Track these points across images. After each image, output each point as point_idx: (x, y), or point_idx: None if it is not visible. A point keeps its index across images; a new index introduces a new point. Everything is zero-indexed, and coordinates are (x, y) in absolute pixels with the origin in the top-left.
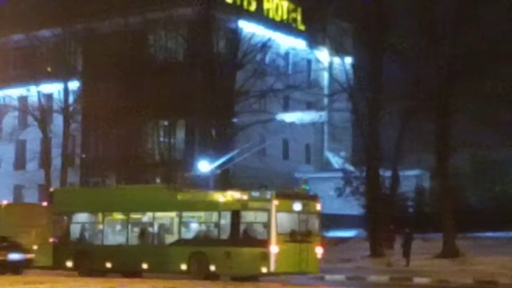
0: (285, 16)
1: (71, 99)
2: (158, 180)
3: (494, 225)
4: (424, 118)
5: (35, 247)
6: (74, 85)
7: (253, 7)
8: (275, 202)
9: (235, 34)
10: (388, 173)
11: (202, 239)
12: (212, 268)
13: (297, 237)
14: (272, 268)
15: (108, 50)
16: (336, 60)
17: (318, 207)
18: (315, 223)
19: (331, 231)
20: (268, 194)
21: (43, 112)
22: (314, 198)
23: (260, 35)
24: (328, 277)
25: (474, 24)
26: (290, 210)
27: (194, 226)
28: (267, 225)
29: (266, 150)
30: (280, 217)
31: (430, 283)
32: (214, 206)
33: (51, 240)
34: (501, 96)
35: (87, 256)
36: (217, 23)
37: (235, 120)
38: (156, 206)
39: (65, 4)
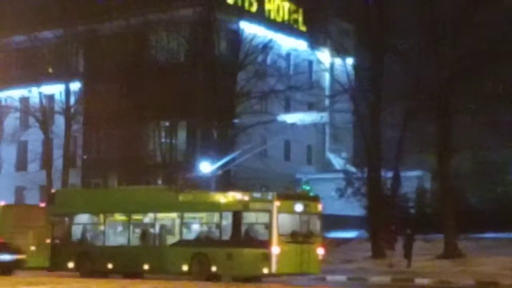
0: (286, 17)
1: (72, 100)
2: (159, 181)
3: (496, 226)
4: (425, 119)
5: (32, 248)
6: (75, 86)
7: (254, 8)
8: (277, 203)
9: (237, 35)
10: (389, 174)
11: (203, 240)
12: (214, 269)
13: (299, 238)
14: (274, 269)
15: (109, 51)
16: (338, 61)
17: (320, 208)
18: (316, 224)
19: (333, 232)
20: (270, 195)
21: (44, 113)
22: (316, 199)
23: (262, 36)
24: (329, 278)
25: (475, 25)
26: (291, 211)
27: (196, 227)
28: (268, 226)
29: (267, 151)
30: (282, 218)
31: (432, 284)
32: (215, 207)
33: (48, 241)
34: (501, 97)
35: (88, 257)
36: (218, 24)
37: (236, 121)
38: (157, 207)
39: (67, 5)
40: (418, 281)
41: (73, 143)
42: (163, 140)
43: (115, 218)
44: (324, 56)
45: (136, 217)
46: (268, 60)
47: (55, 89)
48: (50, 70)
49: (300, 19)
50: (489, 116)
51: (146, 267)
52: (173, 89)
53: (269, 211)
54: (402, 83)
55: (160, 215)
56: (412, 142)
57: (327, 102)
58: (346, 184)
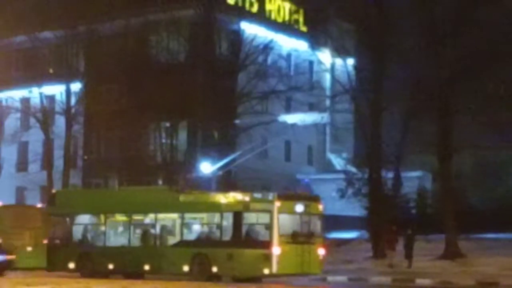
0: (287, 18)
1: (73, 100)
2: (160, 182)
3: (496, 226)
4: (425, 119)
5: (29, 248)
6: (76, 86)
7: (255, 8)
8: (277, 204)
9: (237, 35)
10: (390, 175)
11: (204, 241)
12: (214, 269)
13: (299, 238)
14: (274, 269)
15: (110, 52)
16: (338, 61)
17: (320, 208)
18: (317, 225)
19: (333, 233)
20: (270, 196)
21: (45, 114)
22: (316, 199)
23: (262, 37)
24: (330, 278)
25: (475, 25)
26: (292, 212)
27: (196, 227)
28: (269, 227)
29: (268, 152)
30: (282, 219)
31: (432, 285)
32: (216, 208)
33: (45, 241)
34: (502, 97)
35: (89, 258)
36: (219, 24)
37: (237, 121)
38: (158, 207)
39: (67, 5)
40: (419, 281)
41: (74, 144)
42: (163, 140)
43: (115, 219)
44: (325, 56)
45: (136, 217)
46: (269, 61)
47: (56, 90)
48: (51, 71)
49: (301, 19)
50: (489, 116)
51: (146, 267)
52: (174, 89)
53: (270, 212)
54: (403, 83)
55: (160, 215)
56: (412, 143)
57: (327, 102)
58: (346, 184)
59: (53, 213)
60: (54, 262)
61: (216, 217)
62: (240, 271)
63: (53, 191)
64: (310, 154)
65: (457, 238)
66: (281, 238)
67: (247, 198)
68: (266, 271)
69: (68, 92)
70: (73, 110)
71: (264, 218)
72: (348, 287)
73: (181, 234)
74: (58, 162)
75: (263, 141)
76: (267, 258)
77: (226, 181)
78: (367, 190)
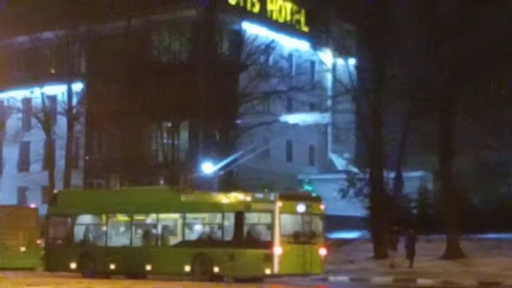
0: (288, 18)
1: (74, 101)
2: (161, 182)
3: (498, 226)
4: (427, 119)
5: (22, 248)
6: (77, 87)
7: (256, 8)
8: (279, 204)
9: (239, 35)
10: (391, 175)
11: (205, 241)
12: (216, 269)
13: (301, 238)
14: (276, 269)
15: (111, 52)
16: (340, 61)
17: (322, 208)
18: (318, 225)
19: (335, 233)
20: (272, 196)
21: (46, 114)
22: (318, 199)
23: (264, 37)
24: (331, 278)
25: (476, 25)
26: (293, 212)
27: (198, 227)
28: (270, 227)
29: (269, 152)
30: (284, 219)
31: (434, 285)
32: (217, 208)
33: (38, 242)
34: (504, 97)
35: (90, 258)
36: (220, 24)
37: (238, 121)
38: (159, 207)
39: (68, 6)
40: (420, 281)
41: (75, 144)
42: (165, 140)
43: (117, 219)
44: (326, 56)
45: (138, 217)
46: (270, 61)
47: (57, 90)
48: (52, 71)
49: (302, 19)
50: (491, 116)
51: (148, 267)
52: (175, 89)
53: (271, 212)
54: (404, 83)
55: (162, 215)
56: (414, 143)
57: (329, 102)
58: (348, 184)
59: (54, 213)
60: (55, 262)
61: (218, 217)
62: (242, 271)
63: (55, 191)
64: (312, 154)
65: (459, 238)
66: (282, 238)
67: (248, 198)
68: (267, 271)
69: (69, 92)
70: (74, 110)
71: (265, 218)
72: (350, 287)
73: (183, 234)
74: (60, 162)
75: (265, 141)
76: (269, 258)
77: (227, 181)
78: (369, 190)
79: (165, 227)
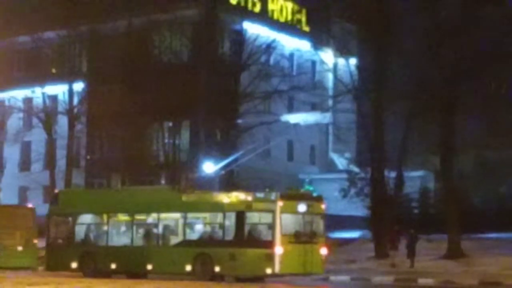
0: (289, 17)
1: (75, 100)
2: (162, 181)
3: (499, 226)
4: (428, 119)
5: (19, 248)
6: (78, 86)
7: (257, 8)
8: (280, 203)
9: (240, 35)
10: (392, 174)
11: (206, 240)
12: (217, 269)
13: (302, 238)
14: (277, 269)
15: (112, 52)
16: (341, 61)
17: (323, 208)
18: (319, 224)
19: (336, 232)
20: (273, 195)
21: (48, 114)
22: (319, 199)
23: (265, 36)
24: (332, 278)
25: (477, 25)
26: (294, 211)
27: (199, 227)
28: (271, 226)
29: (270, 151)
30: (285, 218)
31: (435, 284)
32: (218, 207)
33: (35, 241)
34: (504, 97)
35: (91, 257)
36: (221, 24)
37: (239, 121)
38: (160, 207)
39: (70, 6)
40: (421, 281)
41: (77, 144)
42: (166, 140)
43: (118, 218)
44: (327, 56)
45: (139, 217)
46: (271, 60)
47: (59, 90)
48: (53, 71)
49: (304, 19)
50: (491, 116)
51: (149, 267)
52: (176, 89)
53: (272, 211)
54: (405, 83)
55: (163, 215)
56: (415, 142)
57: (330, 102)
58: (349, 184)
59: (55, 212)
60: (56, 262)
61: (219, 217)
62: (243, 271)
63: (56, 190)
64: (313, 154)
65: (460, 237)
66: (283, 237)
67: (249, 198)
68: (268, 270)
69: (70, 92)
70: (75, 110)
71: (266, 217)
72: (351, 286)
73: (184, 233)
74: (61, 162)
75: (266, 141)
76: (270, 258)
77: (228, 181)
78: (370, 190)
79: (166, 227)
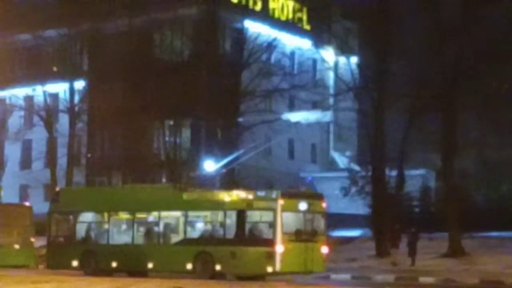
0: (290, 16)
1: (76, 98)
2: (163, 180)
3: (500, 224)
4: (429, 118)
5: (17, 246)
6: (80, 84)
7: (258, 6)
8: (281, 202)
9: (241, 33)
10: (393, 173)
11: (207, 239)
12: (218, 267)
13: (303, 236)
14: (278, 267)
15: (113, 50)
16: (342, 59)
17: (324, 206)
18: (320, 223)
19: (337, 231)
20: (274, 194)
21: (49, 112)
22: (320, 197)
23: (266, 35)
24: (333, 276)
25: (477, 24)
26: (295, 210)
27: (200, 225)
28: (272, 225)
29: (271, 150)
30: (286, 217)
31: (436, 283)
32: (219, 206)
33: (32, 240)
34: (506, 96)
35: (92, 256)
36: (222, 22)
37: (240, 119)
38: (161, 205)
39: (71, 4)
40: (422, 279)
41: (77, 142)
42: (167, 138)
43: (119, 217)
44: (328, 54)
45: (140, 215)
46: (272, 59)
47: (60, 88)
48: (55, 69)
49: (305, 17)
50: (494, 115)
51: (150, 265)
52: (177, 87)
53: (273, 210)
54: (406, 81)
55: (164, 213)
56: (416, 141)
57: (331, 100)
58: (350, 182)
59: (56, 211)
60: (57, 260)
61: (220, 215)
62: (244, 269)
63: (57, 189)
64: (314, 152)
65: (461, 236)
66: (284, 236)
67: (250, 196)
68: (269, 269)
69: (71, 90)
70: (76, 108)
71: (267, 216)
72: (352, 285)
73: (185, 232)
74: (62, 160)
75: (267, 139)
76: (271, 256)
77: (229, 179)
78: (371, 188)
79: (167, 225)
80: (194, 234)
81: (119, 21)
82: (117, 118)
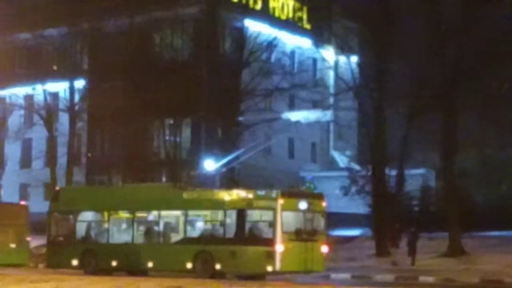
0: (290, 15)
1: (77, 97)
2: (164, 179)
3: (500, 224)
4: (430, 117)
5: (12, 245)
6: (80, 83)
7: (258, 5)
8: (281, 201)
9: (241, 32)
10: (394, 172)
11: (207, 238)
12: (218, 266)
13: (303, 235)
14: (278, 266)
15: (113, 49)
16: (342, 59)
17: (324, 205)
18: (320, 222)
19: (337, 230)
20: (274, 193)
21: (49, 111)
22: (320, 196)
23: (266, 34)
24: (333, 276)
25: (478, 24)
26: (295, 209)
27: (200, 224)
28: (272, 224)
29: (271, 149)
30: (286, 216)
31: (436, 282)
32: (219, 205)
33: (28, 239)
34: (506, 96)
35: (92, 255)
36: (222, 22)
37: (240, 119)
38: (161, 204)
39: (71, 3)
40: (422, 279)
41: (78, 141)
42: (167, 137)
43: (119, 216)
44: (329, 54)
45: (140, 214)
46: (273, 58)
47: (60, 87)
48: (55, 68)
49: (305, 17)
50: (494, 114)
51: (150, 264)
52: (178, 86)
53: (273, 209)
54: (406, 81)
55: (164, 212)
56: (416, 140)
57: (331, 100)
58: (350, 182)
59: (56, 210)
60: (56, 259)
61: (220, 215)
62: (244, 269)
63: (57, 188)
64: (314, 152)
65: (461, 235)
66: (284, 235)
67: (250, 196)
68: (269, 268)
69: (71, 89)
70: (76, 107)
71: (267, 215)
72: (352, 284)
73: (185, 231)
74: (62, 159)
75: (267, 139)
76: (271, 256)
77: (229, 178)
78: (371, 187)
79: (167, 224)
80: (194, 233)
81: (119, 20)
82: (117, 117)
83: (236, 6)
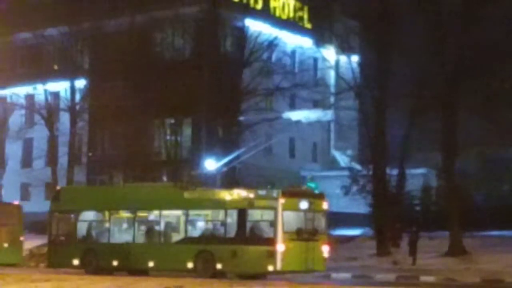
0: (291, 15)
1: (77, 97)
2: (164, 179)
3: (501, 223)
4: (431, 117)
5: (5, 245)
6: (80, 83)
7: (259, 5)
8: (282, 201)
9: (242, 32)
10: (394, 172)
11: (208, 237)
12: (219, 266)
13: (304, 235)
14: (279, 266)
15: (114, 49)
16: (343, 58)
17: (325, 205)
18: (321, 222)
19: (338, 230)
20: (275, 193)
21: (50, 111)
22: (321, 196)
23: (267, 34)
24: (334, 275)
25: (479, 23)
26: (296, 209)
27: (201, 224)
28: (273, 224)
29: (272, 149)
30: (287, 216)
31: (437, 282)
32: (220, 205)
33: (21, 238)
34: (507, 96)
35: (93, 254)
36: (223, 21)
37: (241, 118)
38: (162, 204)
39: (72, 2)
40: (423, 278)
41: (78, 140)
42: (168, 137)
43: (120, 215)
44: (329, 53)
45: (141, 214)
46: (273, 58)
47: (60, 86)
48: (55, 67)
49: (306, 16)
50: (494, 114)
51: (151, 264)
52: (178, 86)
53: (274, 209)
54: (407, 81)
55: (165, 212)
56: (417, 140)
57: (332, 99)
58: (351, 181)
59: (57, 209)
60: (57, 259)
61: (221, 214)
62: (245, 268)
63: (58, 187)
64: (315, 151)
65: (461, 235)
66: (285, 235)
67: (251, 195)
68: (270, 268)
69: (72, 89)
70: (77, 107)
71: (268, 215)
72: (352, 284)
73: (186, 231)
74: (63, 159)
75: (268, 138)
76: (272, 255)
77: (230, 178)
78: (372, 187)
79: (168, 224)
80: (195, 233)
81: (120, 20)
82: (118, 116)
83: (237, 6)
